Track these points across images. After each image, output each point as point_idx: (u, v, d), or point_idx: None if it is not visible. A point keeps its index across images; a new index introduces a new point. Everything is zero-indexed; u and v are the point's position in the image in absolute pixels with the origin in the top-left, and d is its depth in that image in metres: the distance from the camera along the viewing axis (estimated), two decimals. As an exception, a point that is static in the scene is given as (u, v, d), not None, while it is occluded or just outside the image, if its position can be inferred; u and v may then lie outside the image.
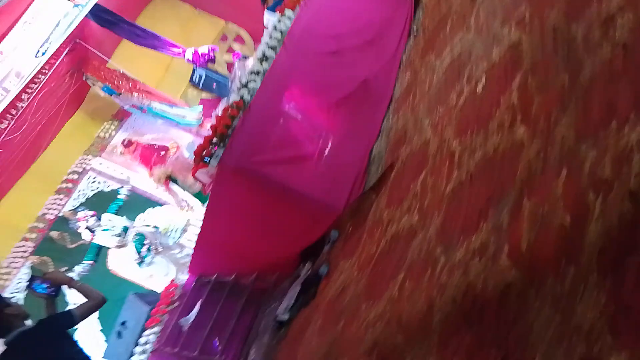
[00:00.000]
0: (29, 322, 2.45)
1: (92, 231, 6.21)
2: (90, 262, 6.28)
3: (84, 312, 2.44)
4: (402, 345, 1.73)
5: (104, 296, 2.56)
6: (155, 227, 6.22)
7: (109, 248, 6.36)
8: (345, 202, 3.27)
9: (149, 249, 6.04)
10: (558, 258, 1.16)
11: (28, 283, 2.49)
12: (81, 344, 2.45)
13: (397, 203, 2.48)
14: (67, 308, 5.12)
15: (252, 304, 3.86)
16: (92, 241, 6.24)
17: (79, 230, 6.31)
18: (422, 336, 1.62)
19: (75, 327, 2.46)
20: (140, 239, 6.06)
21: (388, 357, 1.80)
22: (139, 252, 6.03)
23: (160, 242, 6.12)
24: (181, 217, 6.43)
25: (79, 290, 2.54)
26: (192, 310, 3.94)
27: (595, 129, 1.24)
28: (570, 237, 1.14)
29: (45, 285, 2.46)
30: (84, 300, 2.55)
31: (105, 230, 6.17)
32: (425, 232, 1.94)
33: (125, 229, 6.20)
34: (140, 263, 6.08)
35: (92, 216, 6.30)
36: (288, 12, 4.33)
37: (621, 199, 1.05)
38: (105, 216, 6.31)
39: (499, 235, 1.41)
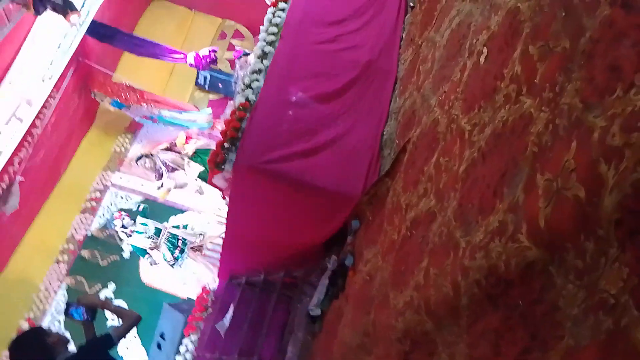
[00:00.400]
0: (71, 346, 2.52)
1: (126, 231, 6.36)
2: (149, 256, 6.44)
3: (121, 333, 2.50)
4: (432, 331, 1.73)
5: (138, 314, 2.61)
6: (185, 226, 6.36)
7: (139, 259, 6.52)
8: (362, 189, 3.27)
9: (182, 251, 6.15)
10: (576, 233, 1.14)
11: (65, 310, 2.55)
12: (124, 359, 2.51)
13: (413, 186, 2.47)
14: (107, 323, 5.30)
15: (284, 300, 3.91)
16: (131, 244, 6.42)
17: (115, 229, 6.53)
18: (450, 321, 1.62)
19: (115, 347, 2.52)
20: (173, 241, 6.17)
21: (420, 343, 1.81)
22: (172, 253, 6.15)
23: (191, 241, 6.23)
24: (204, 219, 6.54)
25: (113, 312, 2.60)
26: (226, 314, 4.01)
27: (601, 96, 1.21)
28: (587, 211, 1.12)
29: (80, 311, 2.52)
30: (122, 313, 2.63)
31: (138, 233, 6.33)
32: (443, 215, 1.93)
33: (158, 232, 6.33)
34: (173, 264, 6.20)
35: (127, 215, 6.51)
36: (281, 4, 4.29)
37: (633, 167, 1.02)
38: (139, 219, 6.49)
39: (516, 213, 1.39)
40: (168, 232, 6.25)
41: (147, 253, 6.32)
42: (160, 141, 7.63)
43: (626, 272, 0.99)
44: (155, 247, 6.25)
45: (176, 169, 6.26)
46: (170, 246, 6.16)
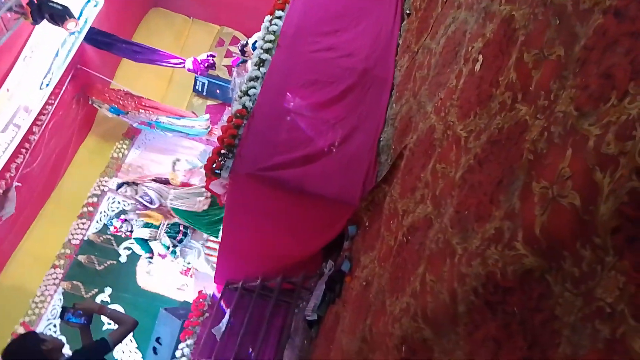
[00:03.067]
0: (67, 350, 2.51)
1: (128, 227, 6.37)
2: (148, 254, 6.39)
3: (117, 338, 2.50)
4: (429, 338, 1.73)
5: (135, 320, 2.61)
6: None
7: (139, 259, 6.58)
8: (360, 196, 3.27)
9: (180, 241, 6.12)
10: (572, 241, 1.15)
11: (61, 315, 2.54)
12: None
13: (410, 193, 2.47)
14: (103, 328, 5.27)
15: (281, 306, 3.90)
16: (133, 237, 6.40)
17: (114, 226, 6.54)
18: (448, 328, 1.62)
19: (111, 352, 2.51)
20: (175, 229, 6.16)
21: (417, 351, 1.80)
22: (172, 242, 6.14)
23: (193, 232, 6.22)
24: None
25: (109, 317, 2.59)
26: (223, 319, 3.99)
27: (595, 104, 1.22)
28: (583, 219, 1.12)
29: (77, 316, 2.52)
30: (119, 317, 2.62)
31: (138, 226, 6.33)
32: (440, 222, 1.93)
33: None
34: (173, 252, 6.21)
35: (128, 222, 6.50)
36: (278, 12, 4.30)
37: (629, 175, 1.03)
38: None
39: (512, 221, 1.39)
40: (169, 221, 6.26)
41: (149, 248, 6.29)
42: (157, 147, 7.69)
43: (622, 281, 1.00)
44: (156, 237, 6.23)
45: (160, 200, 6.01)
46: (171, 232, 6.17)
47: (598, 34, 1.31)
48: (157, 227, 6.18)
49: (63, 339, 5.87)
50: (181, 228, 6.15)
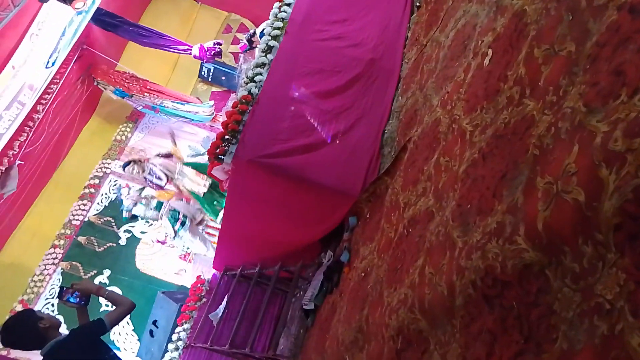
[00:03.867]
0: (64, 329, 2.52)
1: (133, 199, 6.42)
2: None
3: (114, 319, 2.50)
4: (425, 330, 1.73)
5: (133, 302, 2.61)
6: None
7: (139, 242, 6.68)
8: (361, 187, 3.26)
9: (182, 223, 6.18)
10: (574, 236, 1.14)
11: (59, 295, 2.55)
12: (116, 344, 2.50)
13: (412, 185, 2.46)
14: (101, 310, 5.30)
15: (278, 294, 3.91)
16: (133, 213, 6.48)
17: (121, 197, 6.63)
18: (444, 321, 1.62)
19: (107, 333, 2.52)
20: (174, 214, 6.20)
21: (412, 342, 1.81)
22: (173, 227, 6.19)
23: (194, 215, 6.24)
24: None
25: (107, 298, 2.59)
26: (220, 305, 4.01)
27: (604, 100, 1.20)
28: (586, 215, 1.11)
29: (75, 296, 2.52)
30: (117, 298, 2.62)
31: (141, 204, 6.38)
32: (441, 215, 1.93)
33: (159, 205, 6.33)
34: (174, 237, 6.24)
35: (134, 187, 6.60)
36: (287, -1, 4.28)
37: (635, 172, 1.02)
38: (144, 191, 6.49)
39: (515, 215, 1.39)
40: (170, 205, 6.27)
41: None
42: (160, 131, 7.69)
43: (623, 278, 0.99)
44: (157, 218, 6.30)
45: (168, 175, 6.05)
46: (172, 220, 6.20)
47: (611, 30, 1.30)
48: (159, 209, 6.23)
49: (61, 318, 5.93)
50: (180, 217, 6.17)
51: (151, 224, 6.75)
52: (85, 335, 2.43)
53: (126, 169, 6.21)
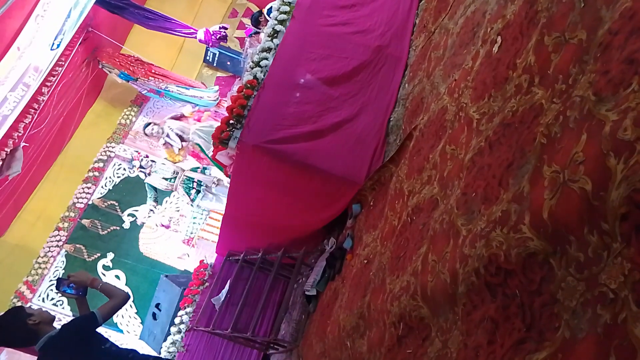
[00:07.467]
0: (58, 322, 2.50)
1: (145, 171, 6.56)
2: (153, 199, 6.68)
3: (107, 312, 2.47)
4: (427, 317, 1.74)
5: (127, 294, 2.59)
6: (203, 170, 6.55)
7: (142, 226, 6.78)
8: (366, 174, 3.26)
9: (198, 191, 6.32)
10: (580, 226, 1.13)
11: (57, 286, 2.54)
12: (119, 326, 2.47)
13: (417, 173, 2.45)
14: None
15: (281, 280, 3.93)
16: (146, 182, 6.66)
17: (133, 170, 6.82)
18: (446, 308, 1.62)
19: (100, 326, 2.49)
20: (189, 184, 6.29)
21: (414, 329, 1.81)
22: (188, 194, 6.36)
23: (207, 185, 6.40)
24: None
25: (101, 290, 2.53)
26: (222, 289, 4.03)
27: (615, 89, 1.19)
28: (592, 204, 1.11)
29: (71, 287, 2.51)
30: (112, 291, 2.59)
31: (155, 172, 6.51)
32: (446, 203, 1.92)
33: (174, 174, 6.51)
34: (191, 204, 6.48)
35: (146, 157, 6.76)
36: (295, -17, 4.22)
37: (644, 161, 1.01)
38: (160, 160, 6.73)
39: (520, 204, 1.38)
40: (184, 174, 6.40)
41: (155, 192, 6.60)
42: (165, 116, 7.73)
43: (628, 268, 0.99)
44: (172, 188, 6.48)
45: (182, 137, 6.50)
46: (186, 188, 6.28)
47: (624, 17, 1.28)
48: (174, 179, 6.32)
49: (67, 307, 6.00)
50: (194, 185, 6.28)
51: (151, 214, 6.81)
52: (76, 329, 2.40)
53: (147, 129, 6.65)
